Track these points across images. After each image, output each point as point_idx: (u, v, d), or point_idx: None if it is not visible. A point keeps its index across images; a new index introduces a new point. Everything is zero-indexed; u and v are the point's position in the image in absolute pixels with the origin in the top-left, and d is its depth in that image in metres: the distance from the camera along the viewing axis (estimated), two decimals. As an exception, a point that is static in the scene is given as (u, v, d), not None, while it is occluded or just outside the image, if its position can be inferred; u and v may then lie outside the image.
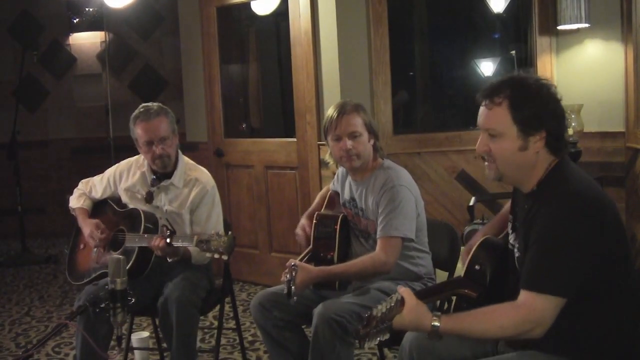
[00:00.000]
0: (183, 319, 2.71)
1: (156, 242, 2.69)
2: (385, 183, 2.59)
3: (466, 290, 1.98)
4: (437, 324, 1.76)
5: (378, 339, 1.77)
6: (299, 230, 2.82)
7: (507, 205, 2.18)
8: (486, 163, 1.91)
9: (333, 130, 2.64)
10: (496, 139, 1.83)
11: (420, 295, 1.92)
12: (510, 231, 2.01)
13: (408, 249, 2.62)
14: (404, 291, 1.82)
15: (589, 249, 1.71)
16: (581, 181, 1.80)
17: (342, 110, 2.63)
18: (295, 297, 2.41)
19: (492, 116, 1.83)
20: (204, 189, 2.97)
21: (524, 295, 1.74)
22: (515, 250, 1.93)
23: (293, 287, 2.39)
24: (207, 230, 2.85)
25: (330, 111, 2.67)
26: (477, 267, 1.99)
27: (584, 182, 1.81)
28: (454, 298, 2.12)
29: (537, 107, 1.79)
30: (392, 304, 1.78)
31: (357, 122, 2.62)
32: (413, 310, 1.78)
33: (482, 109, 1.87)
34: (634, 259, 1.90)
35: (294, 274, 2.41)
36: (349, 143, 2.61)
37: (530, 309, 1.71)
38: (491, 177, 1.92)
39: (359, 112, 2.64)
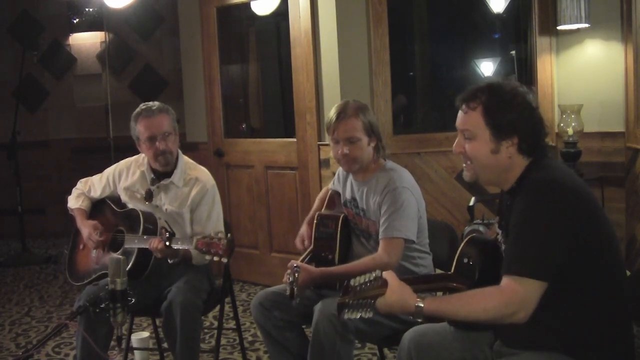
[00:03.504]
0: (187, 323, 2.71)
1: (154, 244, 2.69)
2: (388, 184, 2.59)
3: (455, 284, 2.00)
4: (421, 304, 1.81)
5: (359, 314, 1.81)
6: (298, 243, 2.82)
7: None
8: (464, 166, 1.99)
9: (332, 132, 2.65)
10: (470, 141, 1.92)
11: (407, 281, 1.94)
12: (499, 230, 2.04)
13: (409, 250, 2.62)
14: (386, 273, 1.87)
15: (562, 231, 1.74)
16: (555, 170, 1.85)
17: (341, 114, 2.62)
18: (298, 299, 2.41)
19: (468, 119, 1.92)
20: (204, 188, 2.96)
21: (505, 280, 1.78)
22: (502, 244, 1.97)
23: (296, 289, 2.40)
24: (207, 230, 2.84)
25: (331, 112, 2.67)
26: (465, 260, 2.02)
27: (558, 172, 1.85)
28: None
29: (510, 114, 1.86)
30: (372, 278, 1.84)
31: (356, 127, 2.60)
32: (396, 290, 1.83)
33: (459, 112, 1.96)
34: (621, 253, 1.91)
35: (296, 275, 2.41)
36: (345, 148, 2.61)
37: (512, 292, 1.75)
38: (467, 179, 2.01)
39: (358, 115, 2.61)
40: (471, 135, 1.91)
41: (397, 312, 1.86)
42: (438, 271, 2.79)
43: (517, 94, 1.88)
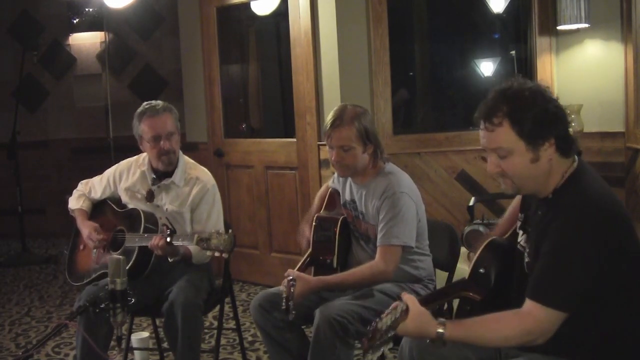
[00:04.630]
0: (189, 323, 2.71)
1: (156, 241, 2.70)
2: (386, 189, 2.58)
3: (470, 293, 1.97)
4: (441, 331, 1.74)
5: (382, 349, 1.75)
6: (303, 243, 2.82)
7: (512, 205, 2.18)
8: (501, 179, 1.87)
9: (327, 138, 2.65)
10: (506, 158, 1.80)
11: (425, 300, 1.91)
12: (520, 231, 1.99)
13: (409, 254, 2.62)
14: (408, 298, 1.80)
15: (601, 265, 1.69)
16: (597, 192, 1.77)
17: (337, 121, 2.59)
18: (293, 313, 2.40)
19: (496, 137, 1.79)
20: (204, 188, 2.97)
21: (529, 304, 1.73)
22: (525, 254, 1.91)
23: (291, 303, 2.39)
24: (207, 229, 2.84)
25: (328, 116, 2.65)
26: (482, 270, 1.98)
27: (597, 191, 1.77)
28: (456, 300, 2.11)
29: (539, 116, 1.75)
30: (397, 316, 1.76)
31: (350, 136, 2.57)
32: (417, 317, 1.76)
33: (482, 132, 1.83)
34: None
35: (291, 290, 2.40)
36: (338, 155, 2.61)
37: (534, 320, 1.71)
38: (509, 192, 1.89)
39: (353, 122, 2.58)
40: (506, 152, 1.78)
41: (415, 337, 1.81)
42: (438, 271, 2.79)
43: (535, 92, 1.78)
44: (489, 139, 1.81)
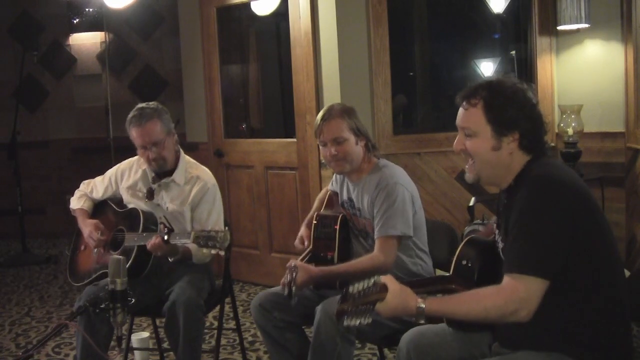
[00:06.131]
0: (191, 323, 2.72)
1: (154, 241, 2.70)
2: (380, 181, 2.60)
3: (454, 286, 2.00)
4: (422, 305, 1.81)
5: (359, 321, 1.79)
6: (297, 243, 2.82)
7: None
8: (467, 166, 1.98)
9: (319, 135, 2.66)
10: (471, 138, 1.92)
11: (410, 284, 1.94)
12: (496, 230, 2.04)
13: (407, 247, 2.63)
14: (386, 277, 1.86)
15: (561, 228, 1.75)
16: (554, 168, 1.86)
17: (326, 116, 2.63)
18: (296, 298, 2.41)
19: (468, 116, 1.92)
20: (204, 187, 2.97)
21: (506, 279, 1.79)
22: (499, 242, 1.97)
23: (294, 288, 2.40)
24: (207, 228, 2.84)
25: (318, 116, 2.68)
26: (464, 262, 2.03)
27: (557, 169, 1.86)
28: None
29: (511, 110, 1.86)
30: (370, 284, 1.82)
31: (341, 127, 2.61)
32: (397, 294, 1.82)
33: (460, 109, 1.96)
34: (618, 252, 1.91)
35: (294, 275, 2.41)
36: (333, 149, 2.62)
37: (512, 290, 1.75)
38: (469, 180, 2.01)
39: (343, 117, 2.62)
40: (472, 133, 1.91)
41: (401, 315, 1.85)
42: (438, 271, 2.79)
43: (518, 90, 1.88)
44: (462, 117, 1.94)
